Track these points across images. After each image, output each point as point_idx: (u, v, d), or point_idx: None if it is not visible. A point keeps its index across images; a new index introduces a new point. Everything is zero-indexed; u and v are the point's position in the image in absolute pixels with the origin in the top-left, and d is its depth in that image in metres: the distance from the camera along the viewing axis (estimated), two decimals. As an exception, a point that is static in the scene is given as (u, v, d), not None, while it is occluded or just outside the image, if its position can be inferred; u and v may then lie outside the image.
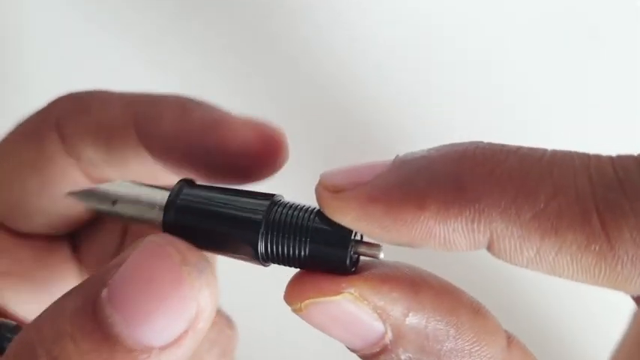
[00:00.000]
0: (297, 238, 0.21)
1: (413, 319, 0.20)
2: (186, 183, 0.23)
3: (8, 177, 0.26)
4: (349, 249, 0.21)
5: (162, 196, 0.22)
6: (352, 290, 0.20)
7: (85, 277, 0.24)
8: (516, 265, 0.19)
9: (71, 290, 0.20)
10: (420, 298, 0.20)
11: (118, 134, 0.25)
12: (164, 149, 0.25)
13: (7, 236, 0.26)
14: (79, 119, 0.25)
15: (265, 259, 0.22)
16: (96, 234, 0.28)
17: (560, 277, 0.19)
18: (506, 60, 0.47)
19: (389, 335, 0.20)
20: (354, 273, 0.21)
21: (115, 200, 0.23)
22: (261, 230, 0.21)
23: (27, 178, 0.26)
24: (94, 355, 0.19)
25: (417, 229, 0.19)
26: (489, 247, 0.19)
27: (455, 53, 0.46)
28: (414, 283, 0.20)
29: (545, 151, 0.19)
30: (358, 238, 0.21)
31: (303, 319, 0.20)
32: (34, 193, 0.26)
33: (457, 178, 0.19)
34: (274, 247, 0.21)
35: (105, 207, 0.23)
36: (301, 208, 0.22)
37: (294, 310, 0.20)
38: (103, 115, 0.25)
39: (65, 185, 0.26)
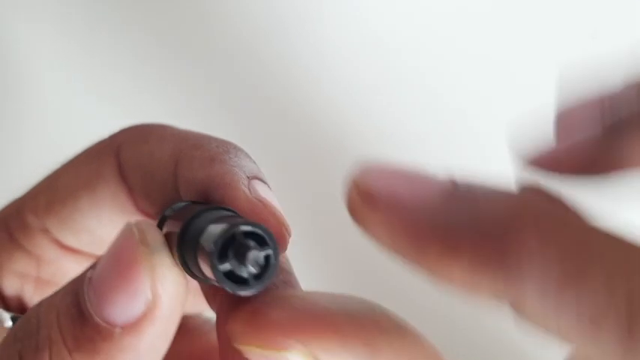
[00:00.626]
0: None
1: None
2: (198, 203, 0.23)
3: (64, 191, 0.27)
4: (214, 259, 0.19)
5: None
6: (300, 347, 0.19)
7: None
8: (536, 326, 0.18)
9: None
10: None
11: (160, 171, 0.25)
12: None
13: (56, 247, 0.27)
14: (137, 148, 0.26)
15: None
16: None
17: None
18: (505, 61, 0.47)
19: None
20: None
21: None
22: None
23: (80, 195, 0.26)
24: (70, 329, 0.20)
25: (440, 267, 0.17)
26: (510, 305, 0.17)
27: (451, 54, 0.46)
28: (370, 344, 0.18)
29: (607, 231, 0.17)
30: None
31: (246, 354, 0.19)
32: (84, 210, 0.26)
33: (503, 234, 0.17)
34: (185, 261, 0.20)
35: None
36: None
37: (238, 344, 0.19)
38: (156, 149, 0.25)
39: (114, 209, 0.26)
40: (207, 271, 0.19)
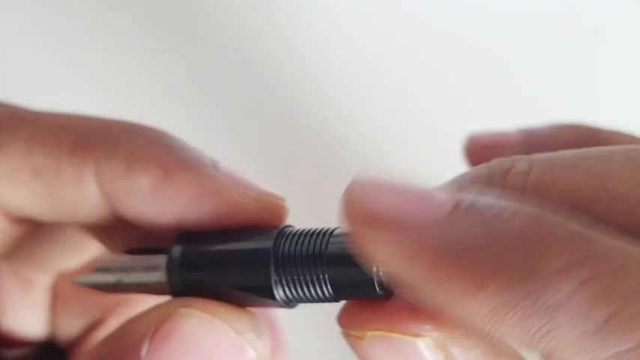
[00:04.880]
0: (313, 274, 0.18)
1: None
2: (183, 238, 0.20)
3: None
4: (375, 271, 0.18)
5: (163, 261, 0.20)
6: (435, 335, 0.17)
7: None
8: None
9: None
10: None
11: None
12: (140, 220, 0.22)
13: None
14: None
15: (288, 303, 0.19)
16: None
17: None
18: (505, 61, 0.47)
19: None
20: (397, 304, 0.18)
21: (118, 273, 0.21)
22: (273, 277, 0.19)
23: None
24: None
25: (463, 307, 0.15)
26: (544, 356, 0.16)
27: (451, 54, 0.46)
28: (494, 344, 0.17)
29: None
30: None
31: (355, 347, 0.18)
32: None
33: (535, 274, 0.15)
34: (292, 290, 0.19)
35: (110, 282, 0.22)
36: (311, 234, 0.19)
37: (350, 336, 0.18)
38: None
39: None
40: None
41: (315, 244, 0.19)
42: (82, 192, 0.21)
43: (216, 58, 0.46)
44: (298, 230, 0.19)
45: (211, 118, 0.45)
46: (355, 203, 0.16)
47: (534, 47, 0.47)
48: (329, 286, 0.18)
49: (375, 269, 0.18)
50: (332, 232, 0.19)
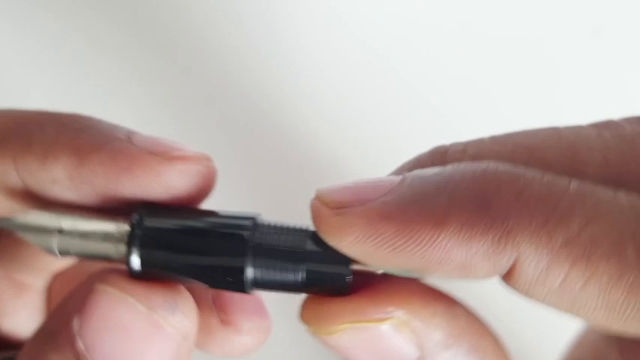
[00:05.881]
0: (290, 263, 0.19)
1: (448, 353, 0.19)
2: (144, 208, 0.20)
3: None
4: (349, 269, 0.19)
5: (120, 229, 0.20)
6: (398, 314, 0.19)
7: None
8: (532, 297, 0.18)
9: (35, 343, 0.20)
10: (456, 325, 0.19)
11: None
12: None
13: None
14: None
15: (251, 287, 0.20)
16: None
17: (578, 314, 0.18)
18: (505, 61, 0.47)
19: None
20: (358, 294, 0.19)
21: (60, 231, 0.21)
22: (248, 256, 0.19)
23: None
24: None
25: (433, 251, 0.17)
26: (508, 275, 0.18)
27: (451, 54, 0.46)
28: (449, 307, 0.19)
29: (570, 179, 0.18)
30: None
31: (325, 342, 0.19)
32: None
33: (482, 195, 0.17)
34: (263, 273, 0.20)
35: (45, 241, 0.21)
36: (288, 228, 0.20)
37: (318, 333, 0.19)
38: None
39: None
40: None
41: (295, 236, 0.20)
42: (8, 189, 0.22)
43: (207, 59, 0.46)
44: (270, 222, 0.20)
45: (205, 118, 0.45)
46: (324, 199, 0.19)
47: (534, 47, 0.47)
48: (303, 278, 0.19)
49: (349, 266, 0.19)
50: (307, 229, 0.20)
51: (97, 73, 0.46)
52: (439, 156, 0.20)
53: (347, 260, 0.19)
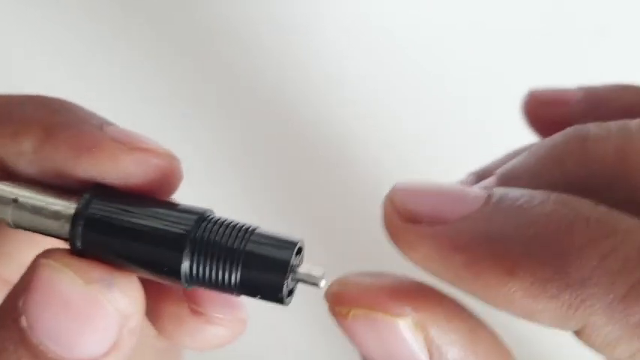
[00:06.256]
0: (227, 262, 0.19)
1: None
2: (97, 190, 0.21)
3: None
4: (286, 279, 0.19)
5: (69, 207, 0.21)
6: (415, 316, 0.18)
7: None
8: (601, 355, 0.17)
9: None
10: (477, 349, 0.18)
11: None
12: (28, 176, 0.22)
13: None
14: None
15: (188, 281, 0.20)
16: None
17: None
18: (508, 62, 0.46)
19: None
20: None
21: (15, 200, 0.21)
22: (186, 250, 0.19)
23: None
24: None
25: (499, 295, 0.17)
26: (577, 332, 0.17)
27: (453, 54, 0.46)
28: (473, 330, 0.18)
29: None
30: (296, 262, 0.19)
31: (341, 325, 0.19)
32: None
33: (562, 253, 0.16)
34: (199, 269, 0.19)
35: (1, 211, 0.21)
36: (234, 227, 0.20)
37: (335, 314, 0.19)
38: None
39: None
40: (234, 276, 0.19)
41: (237, 235, 0.19)
42: None
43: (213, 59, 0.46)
44: (220, 219, 0.20)
45: (207, 117, 0.45)
46: (397, 205, 0.18)
47: (533, 47, 0.46)
48: (237, 280, 0.19)
49: (287, 276, 0.19)
50: (253, 230, 0.20)
51: (96, 73, 0.46)
52: (579, 142, 0.18)
53: (285, 268, 0.19)
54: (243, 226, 0.20)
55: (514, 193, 0.17)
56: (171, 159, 0.21)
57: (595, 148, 0.18)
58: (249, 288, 0.19)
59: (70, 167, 0.21)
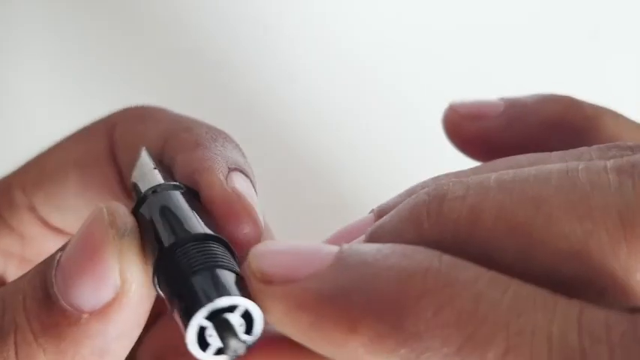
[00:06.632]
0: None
1: None
2: (187, 189, 0.22)
3: (53, 168, 0.26)
4: (191, 324, 0.18)
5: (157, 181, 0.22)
6: None
7: None
8: None
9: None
10: None
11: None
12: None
13: (41, 225, 0.26)
14: (130, 129, 0.25)
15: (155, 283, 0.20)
16: None
17: None
18: (504, 63, 0.46)
19: None
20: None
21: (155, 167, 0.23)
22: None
23: (69, 173, 0.26)
24: (36, 313, 0.19)
25: (345, 353, 0.16)
26: None
27: (450, 55, 0.46)
28: None
29: (508, 287, 0.16)
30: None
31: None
32: (71, 188, 0.26)
33: (400, 305, 0.16)
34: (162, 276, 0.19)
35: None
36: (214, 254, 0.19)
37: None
38: (149, 129, 0.25)
39: (102, 189, 0.26)
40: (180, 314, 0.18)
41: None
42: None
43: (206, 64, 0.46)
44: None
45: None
46: (253, 268, 0.18)
47: (533, 47, 0.46)
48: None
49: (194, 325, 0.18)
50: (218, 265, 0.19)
51: (94, 74, 0.46)
52: (436, 203, 0.18)
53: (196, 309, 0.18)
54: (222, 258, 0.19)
55: (363, 248, 0.17)
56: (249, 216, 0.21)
57: (450, 209, 0.18)
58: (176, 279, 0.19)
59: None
